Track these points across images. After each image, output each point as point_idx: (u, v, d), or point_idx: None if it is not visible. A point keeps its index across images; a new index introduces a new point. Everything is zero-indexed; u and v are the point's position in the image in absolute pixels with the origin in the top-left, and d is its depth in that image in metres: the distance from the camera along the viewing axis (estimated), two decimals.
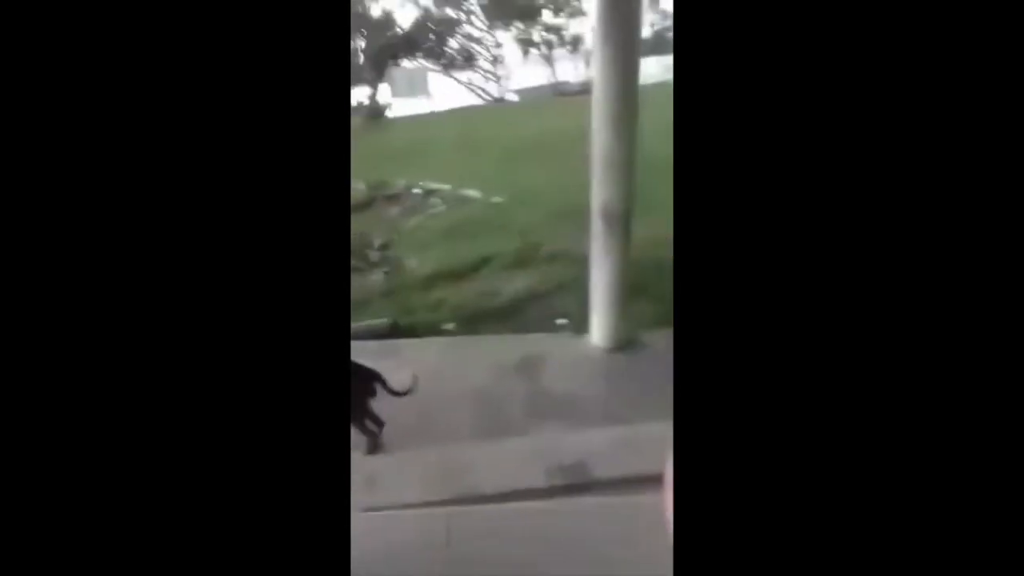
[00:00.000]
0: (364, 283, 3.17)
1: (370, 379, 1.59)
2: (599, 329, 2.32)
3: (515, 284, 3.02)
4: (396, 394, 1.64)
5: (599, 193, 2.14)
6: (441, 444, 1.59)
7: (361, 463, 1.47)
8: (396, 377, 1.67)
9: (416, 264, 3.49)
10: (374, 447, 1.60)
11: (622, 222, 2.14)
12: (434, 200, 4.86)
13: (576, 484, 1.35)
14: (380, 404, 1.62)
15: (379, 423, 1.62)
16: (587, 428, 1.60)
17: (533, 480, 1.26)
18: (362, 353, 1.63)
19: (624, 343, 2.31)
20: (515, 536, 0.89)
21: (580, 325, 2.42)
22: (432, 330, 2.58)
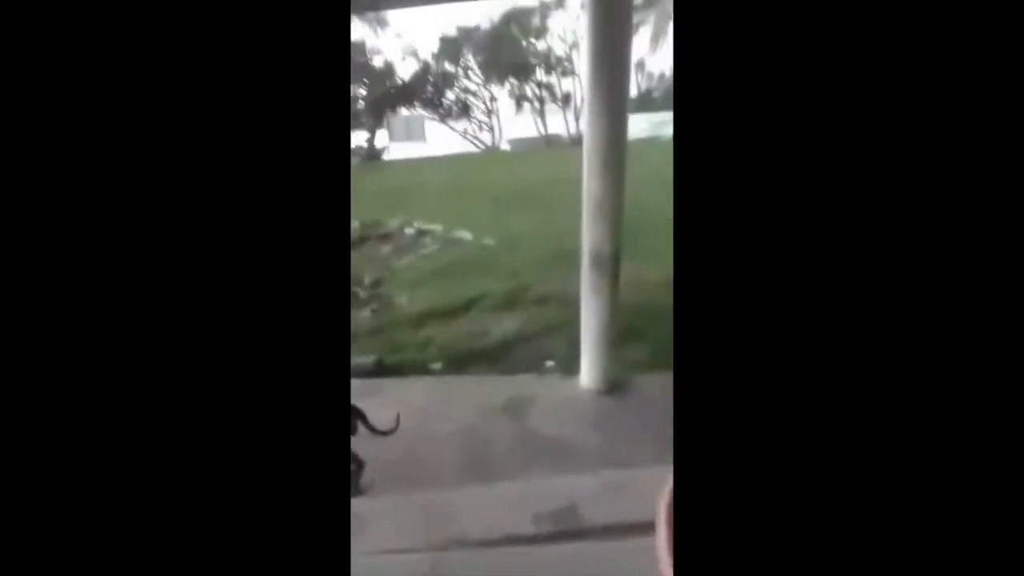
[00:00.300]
0: (353, 319, 3.15)
1: (351, 416, 1.55)
2: (588, 371, 2.32)
3: (504, 325, 3.02)
4: (378, 433, 1.60)
5: (589, 237, 2.20)
6: (426, 487, 1.54)
7: None
8: (380, 416, 1.63)
9: (405, 302, 3.49)
10: (353, 489, 1.53)
11: (611, 265, 2.20)
12: (426, 240, 4.93)
13: (566, 530, 1.30)
14: (362, 443, 1.57)
15: (359, 463, 1.57)
16: (576, 472, 1.56)
17: (521, 526, 1.21)
18: None
19: (613, 386, 2.31)
20: None
21: (568, 367, 2.42)
22: (419, 369, 2.55)
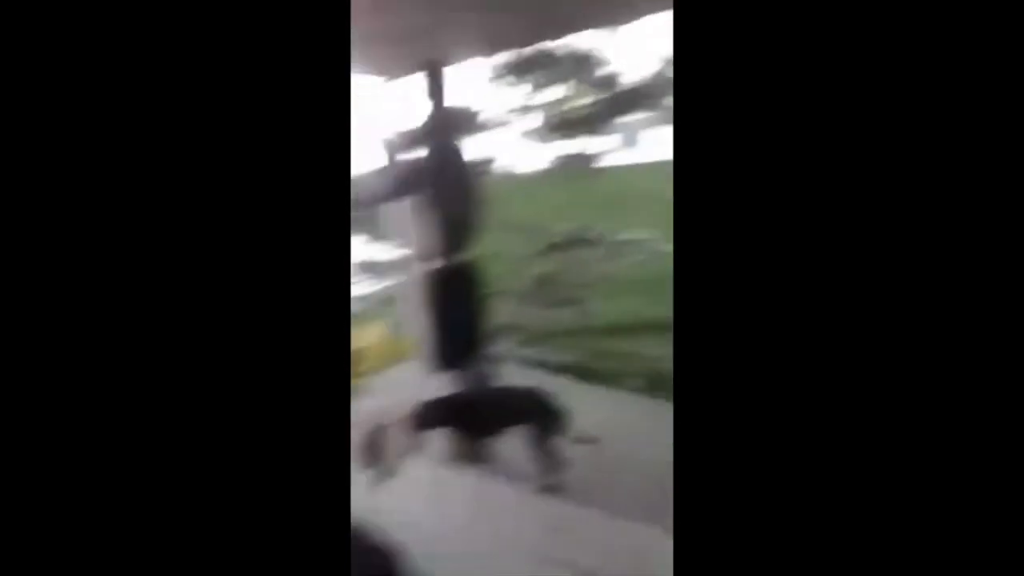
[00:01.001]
0: (553, 319, 3.28)
1: (557, 420, 1.59)
2: None
3: None
4: (582, 441, 1.59)
5: None
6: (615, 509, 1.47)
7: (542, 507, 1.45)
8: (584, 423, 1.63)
9: (609, 309, 3.46)
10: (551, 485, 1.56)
11: None
12: (635, 248, 4.80)
13: None
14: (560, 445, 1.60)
15: (557, 463, 1.59)
16: None
17: None
18: (551, 387, 1.65)
19: None
20: None
21: None
22: (615, 381, 2.49)
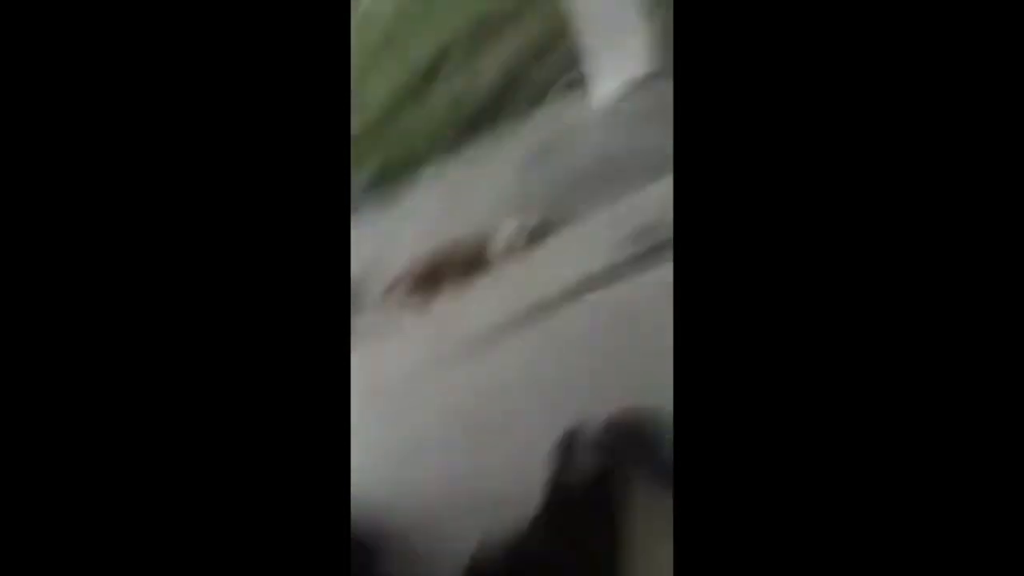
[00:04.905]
0: None
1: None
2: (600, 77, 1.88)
3: (493, 65, 2.46)
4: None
5: None
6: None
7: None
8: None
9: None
10: None
11: None
12: None
13: (657, 244, 1.20)
14: None
15: None
16: (636, 187, 1.37)
17: (619, 254, 1.10)
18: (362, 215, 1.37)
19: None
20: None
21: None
22: (422, 162, 2.21)
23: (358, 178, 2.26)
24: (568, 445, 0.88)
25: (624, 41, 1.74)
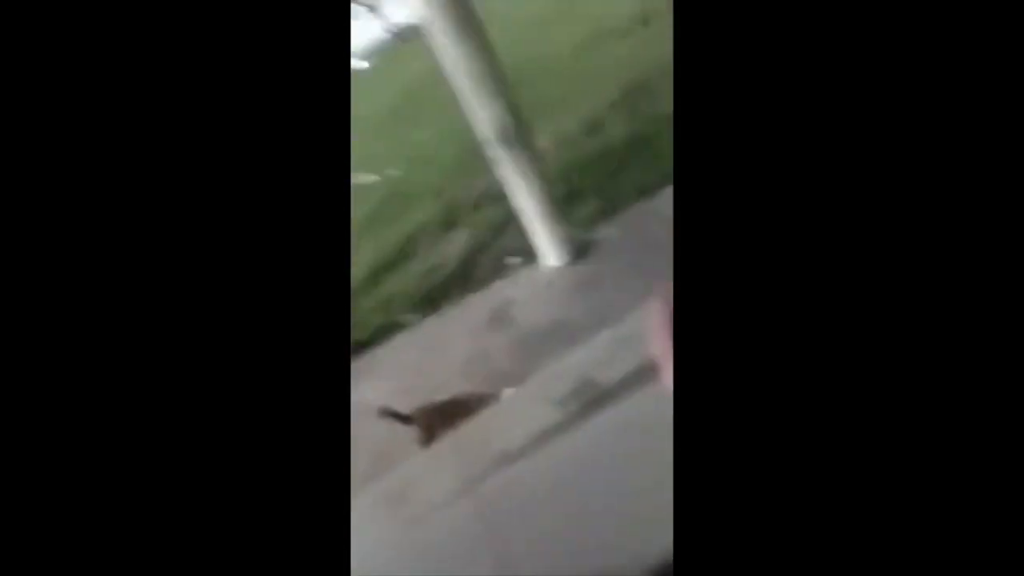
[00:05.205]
0: None
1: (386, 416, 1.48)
2: (548, 249, 2.31)
3: (454, 246, 2.92)
4: (403, 419, 1.52)
5: (488, 120, 2.03)
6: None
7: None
8: (385, 389, 1.59)
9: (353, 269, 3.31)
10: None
11: (520, 136, 2.07)
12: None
13: (590, 400, 1.36)
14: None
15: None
16: (576, 347, 1.60)
17: (551, 417, 1.25)
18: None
19: (580, 249, 2.32)
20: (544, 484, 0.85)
21: (531, 255, 2.39)
22: (396, 329, 2.49)
23: None
24: None
25: None
